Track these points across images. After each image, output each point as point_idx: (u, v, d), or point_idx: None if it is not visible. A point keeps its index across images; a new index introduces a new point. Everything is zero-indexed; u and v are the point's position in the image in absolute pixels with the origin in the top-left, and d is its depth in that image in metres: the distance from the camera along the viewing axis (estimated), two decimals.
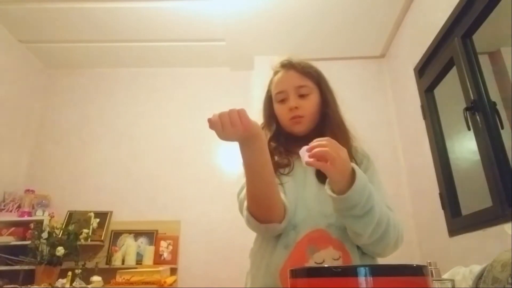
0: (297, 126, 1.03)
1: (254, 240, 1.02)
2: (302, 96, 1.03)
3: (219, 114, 0.78)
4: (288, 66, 1.08)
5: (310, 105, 1.04)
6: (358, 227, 0.82)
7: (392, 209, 0.97)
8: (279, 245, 0.90)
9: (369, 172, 1.02)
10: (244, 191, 0.94)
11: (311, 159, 0.76)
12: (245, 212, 0.91)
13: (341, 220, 0.87)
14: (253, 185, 0.86)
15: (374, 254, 0.91)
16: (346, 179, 0.78)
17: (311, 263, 0.85)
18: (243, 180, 0.96)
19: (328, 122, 1.04)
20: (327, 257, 0.85)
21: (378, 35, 3.25)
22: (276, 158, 1.02)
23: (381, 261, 0.94)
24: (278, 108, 1.07)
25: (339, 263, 0.85)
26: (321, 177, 0.97)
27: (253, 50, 3.40)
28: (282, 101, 1.05)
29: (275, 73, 1.10)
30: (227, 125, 0.76)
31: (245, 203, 0.91)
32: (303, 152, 0.79)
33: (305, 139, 1.04)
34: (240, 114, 0.77)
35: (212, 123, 0.77)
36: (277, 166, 0.99)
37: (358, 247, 0.89)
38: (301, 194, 0.96)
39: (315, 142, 0.78)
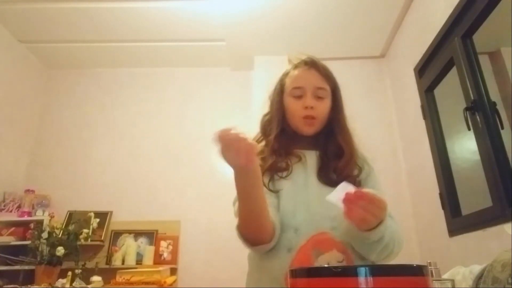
0: (308, 127, 1.02)
1: None
2: (318, 98, 1.02)
3: (229, 135, 0.73)
4: (310, 64, 1.06)
5: (324, 108, 1.03)
6: (365, 251, 0.85)
7: (392, 216, 0.97)
8: (282, 248, 0.89)
9: (370, 178, 1.03)
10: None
11: (352, 217, 0.75)
12: (236, 230, 0.90)
13: (345, 224, 0.87)
14: (244, 210, 0.85)
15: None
16: None
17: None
18: None
19: (337, 128, 1.04)
20: (332, 260, 0.86)
21: (378, 35, 3.24)
22: (274, 159, 1.00)
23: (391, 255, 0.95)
24: (291, 103, 1.04)
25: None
26: (323, 178, 0.98)
27: (253, 50, 3.40)
28: (298, 97, 1.03)
29: (295, 67, 1.08)
30: (232, 151, 0.73)
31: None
32: (339, 197, 0.73)
33: (307, 141, 1.05)
34: (249, 150, 0.73)
35: (219, 138, 0.73)
36: (275, 170, 0.99)
37: None
38: (302, 197, 0.95)
39: (360, 199, 0.73)
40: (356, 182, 0.99)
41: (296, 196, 0.95)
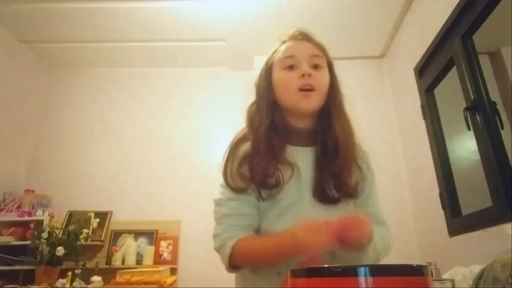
0: (306, 101, 0.85)
1: None
2: (316, 67, 0.87)
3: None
4: (301, 36, 0.93)
5: (324, 79, 0.87)
6: (353, 261, 0.80)
7: (384, 221, 0.95)
8: (272, 272, 0.85)
9: (368, 180, 0.94)
10: (229, 217, 0.89)
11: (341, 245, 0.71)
12: (225, 258, 0.85)
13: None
14: (263, 261, 0.84)
15: None
16: None
17: None
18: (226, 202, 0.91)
19: (334, 110, 0.89)
20: None
21: (378, 35, 3.24)
22: (263, 171, 0.83)
23: (381, 261, 0.94)
24: (284, 76, 0.87)
25: None
26: (319, 195, 0.87)
27: (253, 50, 3.40)
28: (290, 68, 0.87)
29: (283, 42, 0.94)
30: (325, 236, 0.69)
31: (231, 246, 0.84)
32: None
33: (303, 134, 0.90)
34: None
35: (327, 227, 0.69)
36: (264, 187, 0.84)
37: None
38: (293, 216, 0.85)
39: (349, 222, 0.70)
40: (356, 192, 0.89)
41: (285, 215, 0.85)
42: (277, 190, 0.84)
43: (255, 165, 0.85)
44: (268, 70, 0.92)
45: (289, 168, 0.85)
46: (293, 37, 0.92)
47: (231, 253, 0.83)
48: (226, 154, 0.94)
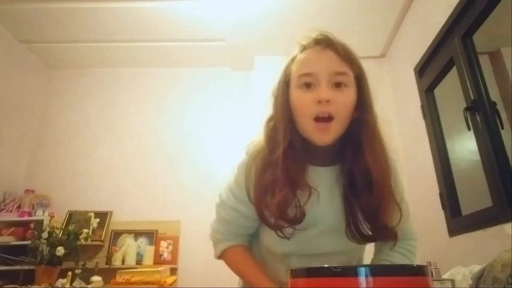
0: (321, 135, 0.73)
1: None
2: (338, 86, 0.74)
3: None
4: (324, 43, 0.78)
5: (346, 102, 0.74)
6: None
7: (414, 237, 0.96)
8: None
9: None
10: (228, 204, 0.90)
11: None
12: (215, 255, 0.94)
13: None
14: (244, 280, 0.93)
15: None
16: None
17: None
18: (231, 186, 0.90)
19: (367, 138, 0.75)
20: None
21: (378, 35, 3.24)
22: (284, 201, 0.74)
23: None
24: (299, 96, 0.75)
25: None
26: (355, 236, 0.78)
27: (253, 50, 3.40)
28: (307, 86, 0.74)
29: (303, 48, 0.80)
30: None
31: (221, 250, 0.92)
32: None
33: (327, 153, 0.79)
34: None
35: None
36: (286, 221, 0.75)
37: None
38: (300, 246, 0.83)
39: None
40: (397, 234, 0.78)
41: (292, 240, 0.79)
42: (300, 226, 0.76)
43: (278, 196, 0.75)
44: (286, 82, 0.80)
45: (307, 192, 0.76)
46: (315, 43, 0.79)
47: (220, 254, 0.93)
48: (242, 168, 0.85)
